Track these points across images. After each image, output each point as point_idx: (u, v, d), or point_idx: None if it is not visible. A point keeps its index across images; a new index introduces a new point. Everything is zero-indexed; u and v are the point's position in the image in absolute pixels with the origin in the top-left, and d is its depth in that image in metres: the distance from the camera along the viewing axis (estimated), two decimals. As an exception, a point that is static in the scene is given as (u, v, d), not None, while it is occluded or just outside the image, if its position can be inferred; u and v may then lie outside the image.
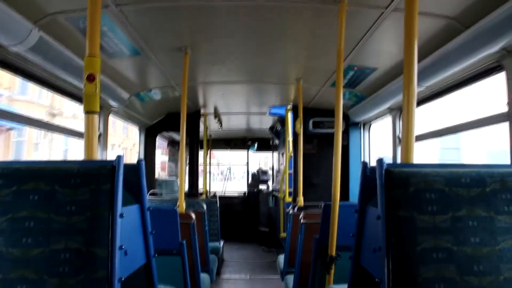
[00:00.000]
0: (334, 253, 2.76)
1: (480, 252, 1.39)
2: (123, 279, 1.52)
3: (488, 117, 2.89)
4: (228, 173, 12.07)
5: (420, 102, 3.80)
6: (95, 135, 2.03)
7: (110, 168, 1.54)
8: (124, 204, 1.60)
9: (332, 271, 2.78)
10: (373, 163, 1.60)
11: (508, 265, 1.38)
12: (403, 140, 1.92)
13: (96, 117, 2.06)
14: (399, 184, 1.46)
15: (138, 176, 1.85)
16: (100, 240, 1.45)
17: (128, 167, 1.71)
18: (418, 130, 3.68)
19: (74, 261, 1.43)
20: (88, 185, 1.50)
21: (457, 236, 1.40)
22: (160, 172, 11.16)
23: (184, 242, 3.15)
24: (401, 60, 2.02)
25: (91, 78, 2.01)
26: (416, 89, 1.95)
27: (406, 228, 1.41)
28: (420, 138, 3.79)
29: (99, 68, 2.04)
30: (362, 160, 5.92)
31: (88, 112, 2.04)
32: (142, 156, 6.53)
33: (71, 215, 1.46)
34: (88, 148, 2.00)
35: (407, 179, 1.45)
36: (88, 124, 2.02)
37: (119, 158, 1.57)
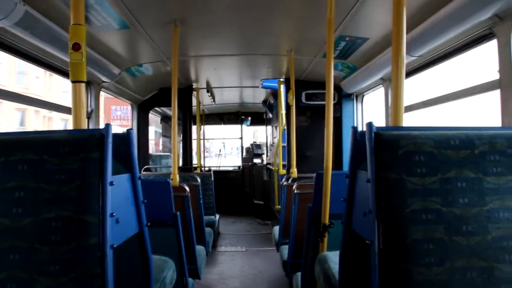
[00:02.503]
0: (327, 221, 2.80)
1: (468, 213, 1.41)
2: (115, 246, 1.54)
3: (479, 85, 2.88)
4: (223, 149, 12.10)
5: (412, 71, 3.79)
6: (82, 105, 2.02)
7: (98, 136, 1.54)
8: (115, 174, 1.60)
9: (325, 239, 2.82)
10: None
11: (496, 225, 1.40)
12: (392, 106, 1.92)
13: (83, 86, 2.04)
14: (388, 147, 1.46)
15: (128, 146, 1.85)
16: (91, 208, 1.46)
17: (117, 136, 1.70)
18: (409, 101, 3.71)
19: (65, 229, 1.44)
20: (77, 153, 1.50)
21: (446, 197, 1.42)
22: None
23: (178, 213, 3.18)
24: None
25: (76, 47, 1.99)
26: (405, 53, 1.94)
27: (396, 190, 1.43)
28: (410, 108, 3.79)
29: (84, 36, 2.01)
30: None
31: (75, 81, 2.02)
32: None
33: (60, 184, 1.47)
34: (76, 118, 1.99)
35: (396, 142, 1.46)
36: (75, 94, 2.01)
37: (107, 126, 1.56)
